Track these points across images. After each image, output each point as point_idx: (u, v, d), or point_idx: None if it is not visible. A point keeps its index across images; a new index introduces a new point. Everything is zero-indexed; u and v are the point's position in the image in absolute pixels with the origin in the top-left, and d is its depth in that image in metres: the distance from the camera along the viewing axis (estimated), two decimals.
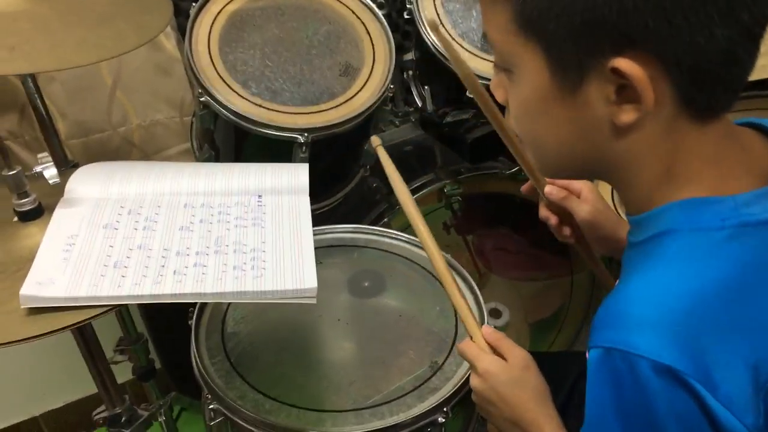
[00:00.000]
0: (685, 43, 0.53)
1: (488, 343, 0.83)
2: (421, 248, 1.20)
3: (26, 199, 0.83)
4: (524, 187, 1.00)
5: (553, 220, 0.98)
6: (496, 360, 0.81)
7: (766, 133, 0.65)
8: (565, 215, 0.97)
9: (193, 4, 1.22)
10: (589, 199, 0.93)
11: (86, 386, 1.81)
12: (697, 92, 0.56)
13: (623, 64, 0.54)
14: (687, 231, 0.59)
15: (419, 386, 0.98)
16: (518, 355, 0.81)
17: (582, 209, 0.93)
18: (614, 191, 1.21)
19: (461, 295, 0.89)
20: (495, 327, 1.03)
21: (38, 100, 1.16)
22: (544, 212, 0.99)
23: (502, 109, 0.73)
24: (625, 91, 0.56)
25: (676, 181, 0.61)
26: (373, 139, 1.09)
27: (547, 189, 0.94)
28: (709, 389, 0.53)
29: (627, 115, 0.57)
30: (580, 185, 0.94)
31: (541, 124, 0.65)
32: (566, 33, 0.56)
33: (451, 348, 1.04)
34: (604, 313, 0.60)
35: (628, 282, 0.62)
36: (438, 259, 0.92)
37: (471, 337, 0.85)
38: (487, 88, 0.72)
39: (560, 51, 0.57)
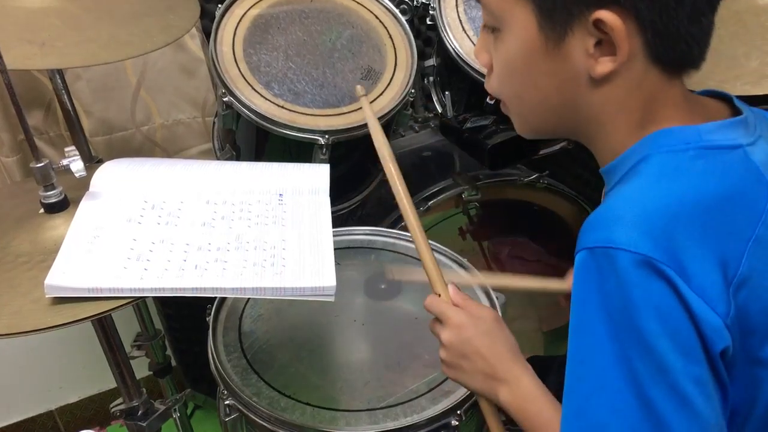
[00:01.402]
0: (658, 4, 0.61)
1: (454, 303, 0.85)
2: (439, 252, 1.21)
3: (52, 192, 0.84)
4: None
5: None
6: (467, 313, 0.83)
7: (720, 98, 0.73)
8: None
9: (219, 6, 1.23)
10: None
11: (101, 382, 1.85)
12: (664, 48, 0.64)
13: (606, 15, 0.61)
14: (658, 154, 0.66)
15: (433, 388, 0.99)
16: (487, 310, 0.85)
17: None
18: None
19: (431, 255, 0.89)
20: None
21: (65, 96, 1.18)
22: None
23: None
24: (603, 45, 0.63)
25: (647, 125, 0.68)
26: (358, 89, 1.09)
27: None
28: (683, 279, 0.58)
29: (603, 66, 0.64)
30: None
31: (524, 79, 0.71)
32: None
33: None
34: (589, 221, 0.65)
35: (609, 197, 0.68)
36: (410, 214, 0.92)
37: (438, 295, 0.87)
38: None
39: (549, 4, 0.64)
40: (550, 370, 0.85)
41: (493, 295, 1.11)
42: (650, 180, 0.65)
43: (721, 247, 0.61)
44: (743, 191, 0.64)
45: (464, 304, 0.85)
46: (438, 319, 0.86)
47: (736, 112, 0.71)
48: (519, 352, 0.82)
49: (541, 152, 1.43)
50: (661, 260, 0.58)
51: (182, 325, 1.67)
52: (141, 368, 1.33)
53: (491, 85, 0.75)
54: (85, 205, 0.85)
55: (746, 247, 0.62)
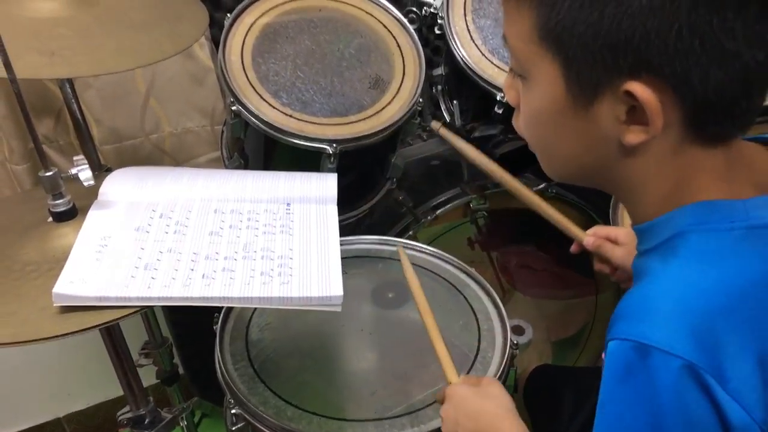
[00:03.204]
0: (700, 74, 0.55)
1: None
2: (446, 261, 1.21)
3: (61, 200, 0.84)
4: (573, 248, 1.11)
5: (605, 269, 1.07)
6: (462, 384, 0.87)
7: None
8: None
9: (228, 15, 1.24)
10: (624, 243, 1.02)
11: (109, 389, 1.85)
12: (705, 121, 0.58)
13: (637, 88, 0.56)
14: (698, 232, 0.61)
15: None
16: (485, 378, 0.88)
17: (615, 253, 1.03)
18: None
19: (444, 346, 0.95)
20: (518, 344, 1.04)
21: (75, 105, 1.19)
22: (598, 266, 1.08)
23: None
24: (636, 112, 0.58)
25: (685, 195, 0.62)
26: (433, 124, 1.12)
27: (585, 241, 1.07)
28: (720, 382, 0.54)
29: (634, 136, 0.59)
30: (617, 232, 1.05)
31: (550, 132, 0.66)
32: (587, 51, 0.57)
33: (474, 362, 1.04)
34: (623, 307, 0.62)
35: (643, 281, 0.63)
36: (421, 299, 1.00)
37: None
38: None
39: (578, 67, 0.59)
40: (558, 379, 0.85)
41: (503, 309, 1.11)
42: (690, 265, 0.60)
43: (763, 340, 0.57)
44: None
45: (469, 380, 0.89)
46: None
47: None
48: (511, 410, 0.82)
49: None
50: (701, 365, 0.54)
51: (190, 333, 1.67)
52: (148, 376, 1.33)
53: (519, 127, 0.71)
54: (93, 213, 0.86)
55: None
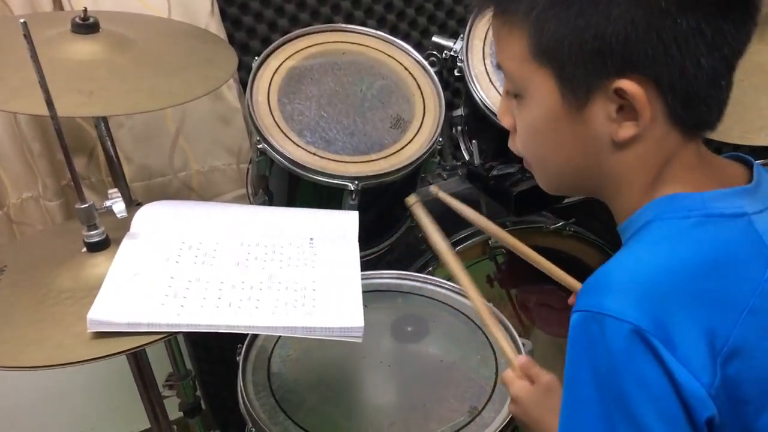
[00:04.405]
0: (678, 69, 0.62)
1: (522, 371, 0.91)
2: (465, 296, 1.23)
3: (95, 231, 0.88)
4: (570, 300, 1.07)
5: None
6: (523, 384, 0.90)
7: (743, 162, 0.74)
8: None
9: (255, 58, 1.29)
10: None
11: (132, 423, 1.86)
12: (684, 111, 0.65)
13: (626, 84, 0.62)
14: (659, 220, 0.67)
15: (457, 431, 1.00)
16: (543, 379, 0.89)
17: None
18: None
19: (499, 328, 0.99)
20: None
21: (109, 143, 1.24)
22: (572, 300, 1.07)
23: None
24: (625, 110, 0.64)
25: (659, 186, 0.69)
26: (408, 199, 1.13)
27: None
28: (668, 348, 0.60)
29: (626, 131, 0.65)
30: None
31: (547, 143, 0.72)
32: (577, 58, 0.64)
33: (491, 395, 1.05)
34: (585, 284, 0.67)
35: (608, 261, 0.68)
36: (473, 292, 1.01)
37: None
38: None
39: (571, 75, 0.65)
40: None
41: (520, 342, 1.12)
42: (646, 246, 0.67)
43: (711, 316, 0.62)
44: (741, 260, 0.65)
45: (528, 372, 0.91)
46: None
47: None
48: None
49: (566, 200, 1.45)
50: (648, 330, 0.60)
51: (212, 368, 1.70)
52: (171, 409, 1.35)
53: (515, 146, 0.77)
54: (125, 244, 0.90)
55: (739, 317, 0.62)
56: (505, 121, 0.76)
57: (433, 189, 1.16)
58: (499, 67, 0.73)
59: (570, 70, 0.64)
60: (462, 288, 1.04)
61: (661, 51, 0.61)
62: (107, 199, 0.95)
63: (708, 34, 0.61)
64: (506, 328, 1.16)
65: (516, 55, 0.68)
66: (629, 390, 0.61)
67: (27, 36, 0.74)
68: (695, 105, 0.65)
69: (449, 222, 1.56)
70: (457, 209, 1.13)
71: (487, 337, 1.16)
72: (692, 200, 0.67)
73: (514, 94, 0.72)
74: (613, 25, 0.61)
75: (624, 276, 0.64)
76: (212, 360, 1.68)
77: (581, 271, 1.11)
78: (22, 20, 0.73)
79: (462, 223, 1.51)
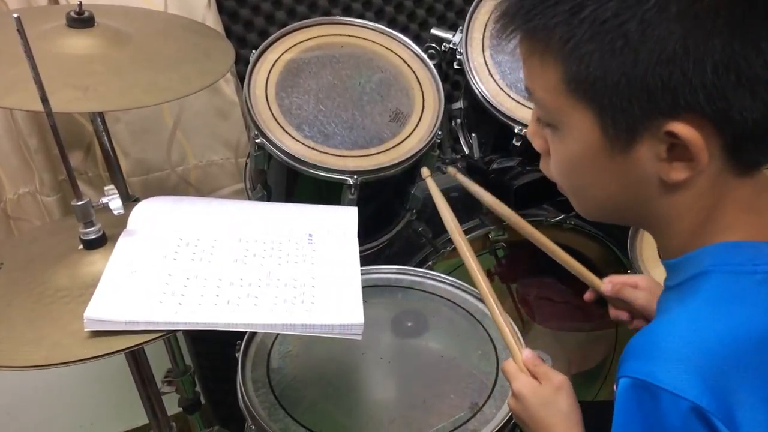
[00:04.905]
0: (738, 106, 0.54)
1: (527, 368, 0.85)
2: (465, 291, 1.22)
3: (92, 228, 0.87)
4: (587, 296, 1.05)
5: (623, 316, 1.01)
6: (529, 381, 0.83)
7: None
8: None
9: (253, 51, 1.28)
10: (645, 287, 0.97)
11: (131, 419, 1.86)
12: (744, 150, 0.58)
13: (679, 128, 0.55)
14: (720, 273, 0.60)
15: (458, 427, 0.99)
16: (552, 378, 0.82)
17: (638, 297, 0.97)
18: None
19: (504, 319, 0.92)
20: None
21: (105, 138, 1.23)
22: (613, 313, 1.02)
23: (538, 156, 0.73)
24: (676, 149, 0.57)
25: (714, 228, 0.62)
26: (423, 171, 1.12)
27: (603, 288, 1.00)
28: (729, 428, 0.54)
29: (678, 173, 0.58)
30: (635, 278, 0.99)
31: (586, 177, 0.65)
32: (623, 98, 0.56)
33: (492, 391, 1.05)
34: (635, 345, 0.61)
35: (661, 318, 0.63)
36: (482, 281, 0.95)
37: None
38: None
39: (614, 114, 0.57)
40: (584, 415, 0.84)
41: (542, 356, 1.12)
42: (706, 306, 0.59)
43: None
44: None
45: (534, 369, 0.84)
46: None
47: None
48: (576, 424, 0.79)
49: None
50: (709, 409, 0.54)
51: (212, 362, 1.69)
52: (170, 405, 1.35)
53: (550, 172, 0.69)
54: (122, 241, 0.89)
55: None
56: (536, 144, 0.69)
57: (451, 170, 1.15)
58: (528, 91, 0.65)
59: (613, 109, 0.57)
60: (469, 270, 0.99)
61: (720, 87, 0.54)
62: (104, 195, 0.94)
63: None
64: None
65: (548, 86, 0.61)
66: None
67: (20, 31, 0.73)
68: (758, 144, 0.58)
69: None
70: (475, 193, 1.12)
71: (487, 332, 1.15)
72: (756, 251, 0.60)
73: (546, 123, 0.65)
74: (666, 63, 0.53)
75: (681, 342, 0.57)
76: (212, 355, 1.67)
77: (582, 264, 1.11)
78: (15, 15, 0.72)
79: (463, 216, 1.51)
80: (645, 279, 0.98)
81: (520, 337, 1.04)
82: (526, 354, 0.86)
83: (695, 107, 0.54)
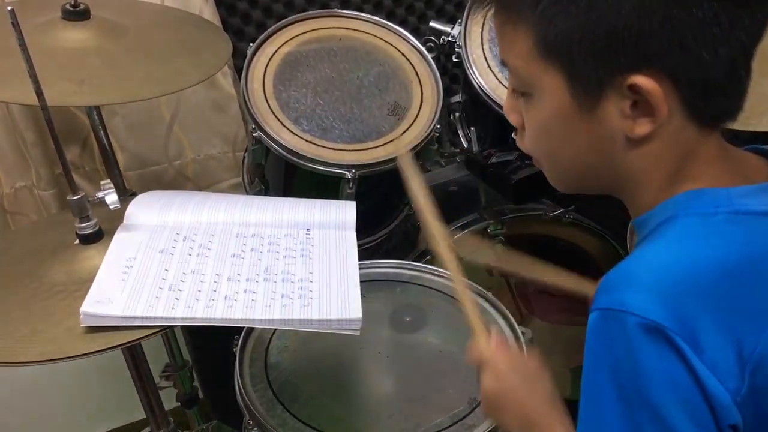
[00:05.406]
0: (694, 61, 0.59)
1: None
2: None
3: (88, 223, 0.87)
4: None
5: None
6: (509, 355, 0.82)
7: (763, 155, 0.70)
8: None
9: (250, 44, 1.27)
10: None
11: (129, 413, 1.86)
12: (702, 103, 0.62)
13: (641, 80, 0.59)
14: (684, 216, 0.64)
15: (456, 422, 0.99)
16: (531, 357, 0.82)
17: None
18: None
19: (472, 300, 0.90)
20: None
21: (102, 132, 1.22)
22: None
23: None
24: (640, 105, 0.61)
25: (680, 181, 0.65)
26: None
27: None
28: (694, 350, 0.56)
29: (641, 128, 0.62)
30: None
31: (558, 141, 0.69)
32: (587, 55, 0.60)
33: None
34: (603, 282, 0.63)
35: (629, 257, 0.65)
36: (448, 257, 0.94)
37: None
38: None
39: (581, 72, 0.62)
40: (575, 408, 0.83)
41: (519, 330, 1.11)
42: (671, 242, 0.63)
43: (740, 321, 0.58)
44: None
45: (506, 350, 0.83)
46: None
47: None
48: (557, 400, 0.79)
49: None
50: (672, 329, 0.57)
51: (210, 356, 1.69)
52: (168, 399, 1.34)
53: (524, 145, 0.73)
54: (119, 236, 0.88)
55: None
56: (512, 119, 0.73)
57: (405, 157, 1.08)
58: (504, 64, 0.70)
59: (580, 67, 0.61)
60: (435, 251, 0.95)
61: (676, 43, 0.58)
62: (101, 189, 0.93)
63: (725, 22, 0.58)
64: (505, 317, 1.15)
65: (522, 52, 0.65)
66: (656, 391, 0.58)
67: (15, 24, 0.72)
68: (714, 96, 0.62)
69: (447, 210, 1.55)
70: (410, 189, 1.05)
71: (486, 327, 1.14)
72: (718, 196, 0.63)
73: (521, 92, 0.69)
74: (625, 19, 0.57)
75: (647, 273, 0.61)
76: (210, 349, 1.67)
77: (581, 259, 1.10)
78: (9, 8, 0.71)
79: (462, 209, 1.51)
80: None
81: (518, 331, 1.03)
82: (494, 335, 0.84)
83: (652, 61, 0.59)
